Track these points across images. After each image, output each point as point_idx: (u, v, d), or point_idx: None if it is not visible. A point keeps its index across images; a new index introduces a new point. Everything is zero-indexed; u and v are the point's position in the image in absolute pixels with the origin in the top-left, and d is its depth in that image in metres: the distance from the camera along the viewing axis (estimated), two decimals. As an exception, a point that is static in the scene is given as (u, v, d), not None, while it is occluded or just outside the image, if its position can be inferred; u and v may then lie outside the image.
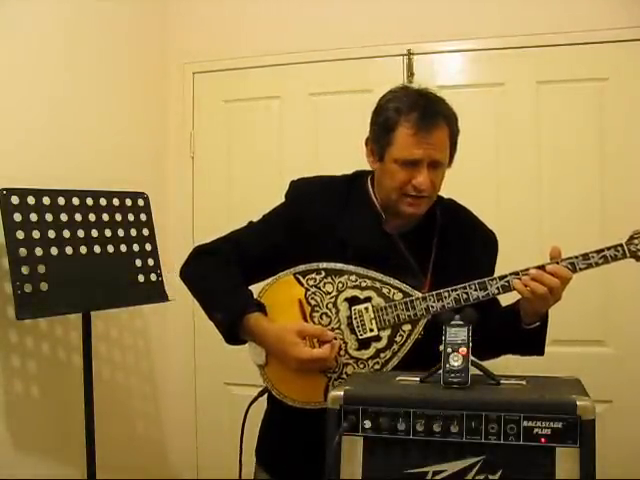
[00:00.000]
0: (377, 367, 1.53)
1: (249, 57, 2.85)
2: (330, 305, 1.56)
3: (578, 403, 1.16)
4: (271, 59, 2.82)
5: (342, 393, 1.26)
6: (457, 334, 1.31)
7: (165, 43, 2.94)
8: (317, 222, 1.62)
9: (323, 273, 1.57)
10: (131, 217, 2.22)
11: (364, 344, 1.54)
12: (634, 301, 2.42)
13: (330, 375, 1.55)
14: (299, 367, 1.53)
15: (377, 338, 1.53)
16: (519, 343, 1.59)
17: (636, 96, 2.46)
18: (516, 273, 1.48)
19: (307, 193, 1.69)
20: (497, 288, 1.48)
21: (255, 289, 1.67)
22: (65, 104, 2.37)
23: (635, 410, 2.42)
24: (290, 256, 1.61)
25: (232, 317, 1.58)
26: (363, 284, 1.55)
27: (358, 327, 1.55)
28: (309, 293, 1.58)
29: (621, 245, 1.46)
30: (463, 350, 1.29)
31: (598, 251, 1.46)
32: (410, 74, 2.65)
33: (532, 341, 1.57)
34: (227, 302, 1.61)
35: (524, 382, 1.33)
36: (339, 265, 1.56)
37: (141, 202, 2.27)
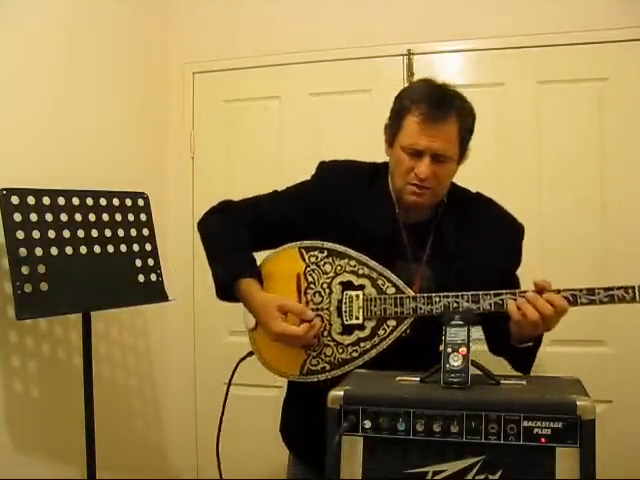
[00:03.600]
0: (355, 355, 1.55)
1: (249, 57, 2.85)
2: (325, 285, 1.60)
3: (578, 403, 1.16)
4: (271, 59, 2.82)
5: (342, 393, 1.26)
6: (457, 334, 1.32)
7: (165, 43, 2.94)
8: (333, 205, 1.65)
9: (326, 252, 1.60)
10: (131, 217, 2.22)
11: (347, 330, 1.57)
12: (634, 301, 2.42)
13: (310, 352, 1.58)
14: (275, 339, 1.58)
15: (361, 327, 1.56)
16: (507, 356, 1.59)
17: (636, 96, 2.45)
18: (513, 293, 1.45)
19: (331, 177, 1.72)
20: (490, 304, 1.46)
21: (260, 255, 1.71)
22: (65, 104, 2.37)
23: (635, 410, 2.41)
24: (302, 231, 1.65)
25: (227, 277, 1.63)
26: (360, 271, 1.57)
27: (345, 312, 1.57)
28: (308, 269, 1.61)
29: (632, 287, 1.41)
30: (463, 350, 1.29)
31: (606, 289, 1.42)
32: (410, 74, 2.65)
33: (518, 359, 1.56)
34: (226, 261, 1.66)
35: (524, 382, 1.33)
36: (342, 248, 1.59)
37: (141, 202, 2.27)
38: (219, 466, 1.70)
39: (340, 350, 1.56)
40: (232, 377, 1.68)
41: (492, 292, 1.46)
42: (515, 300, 1.44)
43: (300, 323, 1.56)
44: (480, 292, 1.47)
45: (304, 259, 1.62)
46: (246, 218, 1.71)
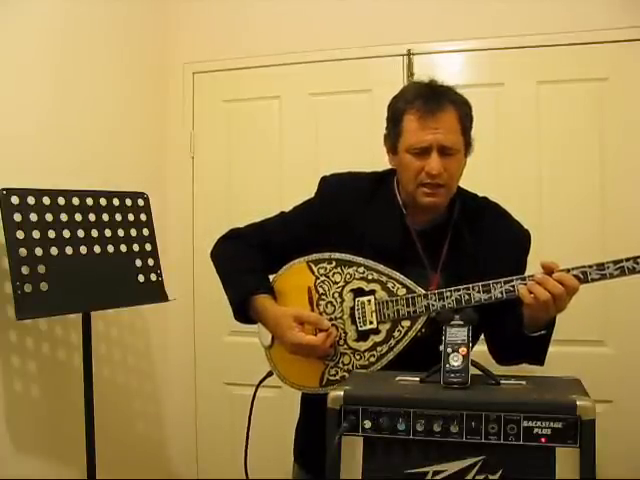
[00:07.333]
0: (372, 360, 1.55)
1: (249, 57, 2.85)
2: (336, 295, 1.60)
3: (578, 403, 1.16)
4: (271, 59, 2.82)
5: (342, 393, 1.26)
6: (457, 334, 1.32)
7: (165, 43, 2.94)
8: (340, 220, 1.64)
9: (334, 263, 1.61)
10: (131, 217, 2.22)
11: (363, 336, 1.57)
12: (634, 301, 2.42)
13: (327, 362, 1.58)
14: (292, 351, 1.58)
15: (376, 331, 1.56)
16: (520, 349, 1.56)
17: (636, 96, 2.45)
18: (523, 278, 1.45)
19: (333, 191, 1.72)
20: (501, 292, 1.46)
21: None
22: (65, 104, 2.37)
23: (635, 410, 2.41)
24: (310, 248, 1.65)
25: (240, 296, 1.65)
26: (370, 277, 1.57)
27: (359, 318, 1.57)
28: (318, 281, 1.62)
29: None
30: (463, 350, 1.29)
31: (615, 262, 1.40)
32: (410, 74, 2.65)
33: (532, 349, 1.54)
34: (239, 282, 1.68)
35: (524, 382, 1.33)
36: (349, 256, 1.60)
37: (141, 202, 2.27)
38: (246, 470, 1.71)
39: (358, 357, 1.56)
40: (254, 398, 1.70)
41: (502, 280, 1.46)
42: (526, 284, 1.43)
43: (316, 333, 1.56)
44: (490, 281, 1.47)
45: (313, 272, 1.63)
46: (255, 242, 1.73)
